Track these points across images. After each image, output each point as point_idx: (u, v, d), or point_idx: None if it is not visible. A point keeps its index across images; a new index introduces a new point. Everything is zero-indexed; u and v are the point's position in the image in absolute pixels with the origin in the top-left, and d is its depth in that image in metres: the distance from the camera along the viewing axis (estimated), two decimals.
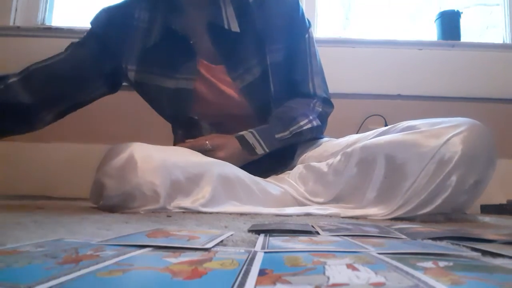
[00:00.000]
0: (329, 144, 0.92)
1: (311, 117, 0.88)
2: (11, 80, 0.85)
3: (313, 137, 0.93)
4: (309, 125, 0.87)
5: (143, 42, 0.87)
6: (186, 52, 0.87)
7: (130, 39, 0.88)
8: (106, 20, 0.90)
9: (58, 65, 0.88)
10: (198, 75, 0.88)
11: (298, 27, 0.92)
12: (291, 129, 0.85)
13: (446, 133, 0.68)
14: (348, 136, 0.90)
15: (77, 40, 0.93)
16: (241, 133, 0.84)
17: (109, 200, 0.67)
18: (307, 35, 0.93)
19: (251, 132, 0.84)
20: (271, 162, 0.89)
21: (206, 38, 0.87)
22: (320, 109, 0.92)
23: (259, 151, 0.83)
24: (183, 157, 0.74)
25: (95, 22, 0.91)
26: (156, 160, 0.68)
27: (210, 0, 0.86)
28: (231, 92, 0.89)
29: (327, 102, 0.95)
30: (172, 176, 0.69)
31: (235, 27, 0.85)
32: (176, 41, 0.85)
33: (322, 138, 0.97)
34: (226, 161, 0.78)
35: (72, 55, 0.90)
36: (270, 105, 0.91)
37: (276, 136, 0.84)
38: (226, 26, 0.84)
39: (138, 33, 0.88)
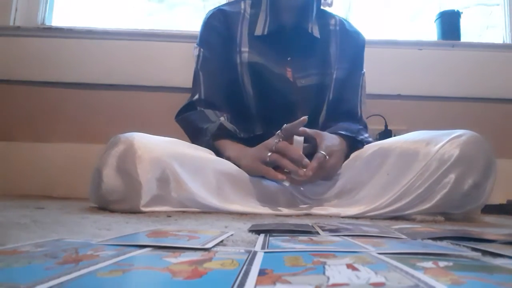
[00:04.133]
0: None
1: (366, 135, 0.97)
2: (212, 116, 0.92)
3: None
4: (370, 139, 0.94)
5: (250, 30, 0.99)
6: (280, 49, 0.98)
7: (239, 24, 1.00)
8: (221, 13, 1.02)
9: (217, 77, 0.98)
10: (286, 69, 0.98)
11: (360, 62, 1.06)
12: (360, 137, 0.91)
13: (447, 138, 0.73)
14: None
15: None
16: (344, 133, 0.87)
17: (106, 189, 0.68)
18: (363, 72, 1.06)
19: (352, 132, 0.89)
20: None
21: (287, 36, 1.00)
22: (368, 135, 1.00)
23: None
24: (182, 150, 0.76)
25: (212, 17, 1.02)
26: (155, 150, 0.70)
27: (301, 8, 0.99)
28: (290, 89, 0.96)
29: (367, 129, 1.02)
30: (171, 167, 0.70)
31: (316, 34, 1.00)
32: (274, 37, 0.98)
33: None
34: (335, 168, 0.82)
35: (211, 64, 0.99)
36: (320, 111, 0.99)
37: (359, 137, 0.90)
38: (309, 30, 0.99)
39: (245, 20, 1.01)
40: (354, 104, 1.02)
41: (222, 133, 0.86)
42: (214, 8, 1.04)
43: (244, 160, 0.81)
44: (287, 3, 0.99)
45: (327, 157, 0.77)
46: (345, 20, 1.08)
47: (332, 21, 1.05)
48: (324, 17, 1.05)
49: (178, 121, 0.98)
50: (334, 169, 0.82)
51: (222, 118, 0.90)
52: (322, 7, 1.08)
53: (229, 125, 0.87)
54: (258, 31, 0.98)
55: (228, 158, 0.83)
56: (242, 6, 1.03)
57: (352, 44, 1.05)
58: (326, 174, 0.81)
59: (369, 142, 0.90)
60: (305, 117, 0.76)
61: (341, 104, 1.01)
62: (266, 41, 0.98)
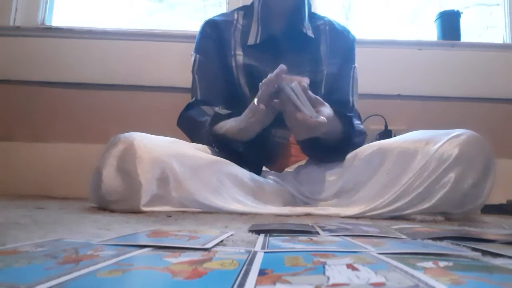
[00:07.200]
0: None
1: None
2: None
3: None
4: (361, 126, 0.95)
5: (243, 39, 1.01)
6: (273, 53, 0.99)
7: (231, 32, 1.03)
8: (214, 23, 1.05)
9: (217, 83, 0.99)
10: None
11: (351, 57, 1.08)
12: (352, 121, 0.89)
13: (446, 137, 0.74)
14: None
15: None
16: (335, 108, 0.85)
17: (106, 189, 0.68)
18: (354, 66, 1.07)
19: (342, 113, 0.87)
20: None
21: (279, 42, 1.01)
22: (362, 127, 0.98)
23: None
24: (182, 150, 0.76)
25: (206, 26, 1.05)
26: (155, 150, 0.70)
27: (293, 12, 1.01)
28: None
29: (360, 118, 1.05)
30: (171, 167, 0.71)
31: (310, 34, 1.02)
32: (267, 44, 0.99)
33: None
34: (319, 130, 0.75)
35: (208, 67, 1.00)
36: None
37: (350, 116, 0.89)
38: (304, 31, 1.01)
39: (237, 31, 1.03)
40: (346, 93, 1.02)
41: (219, 119, 0.85)
42: (209, 18, 1.07)
43: (240, 122, 0.80)
44: (278, 9, 1.01)
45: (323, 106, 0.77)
46: (334, 21, 1.11)
47: (321, 23, 1.08)
48: (314, 20, 1.08)
49: (179, 123, 0.99)
50: (322, 124, 0.74)
51: (216, 108, 0.89)
52: None
53: (224, 111, 0.86)
54: (251, 41, 1.00)
55: (225, 133, 0.82)
56: (235, 16, 1.06)
57: (342, 41, 1.07)
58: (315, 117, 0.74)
59: (360, 130, 0.90)
60: (282, 65, 0.76)
61: (333, 94, 1.01)
62: (258, 48, 1.00)
